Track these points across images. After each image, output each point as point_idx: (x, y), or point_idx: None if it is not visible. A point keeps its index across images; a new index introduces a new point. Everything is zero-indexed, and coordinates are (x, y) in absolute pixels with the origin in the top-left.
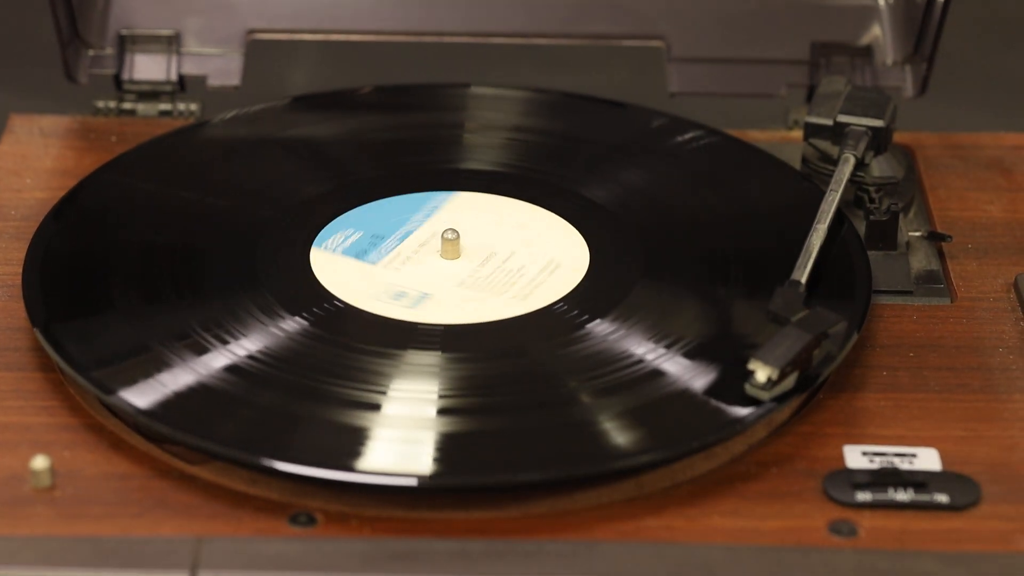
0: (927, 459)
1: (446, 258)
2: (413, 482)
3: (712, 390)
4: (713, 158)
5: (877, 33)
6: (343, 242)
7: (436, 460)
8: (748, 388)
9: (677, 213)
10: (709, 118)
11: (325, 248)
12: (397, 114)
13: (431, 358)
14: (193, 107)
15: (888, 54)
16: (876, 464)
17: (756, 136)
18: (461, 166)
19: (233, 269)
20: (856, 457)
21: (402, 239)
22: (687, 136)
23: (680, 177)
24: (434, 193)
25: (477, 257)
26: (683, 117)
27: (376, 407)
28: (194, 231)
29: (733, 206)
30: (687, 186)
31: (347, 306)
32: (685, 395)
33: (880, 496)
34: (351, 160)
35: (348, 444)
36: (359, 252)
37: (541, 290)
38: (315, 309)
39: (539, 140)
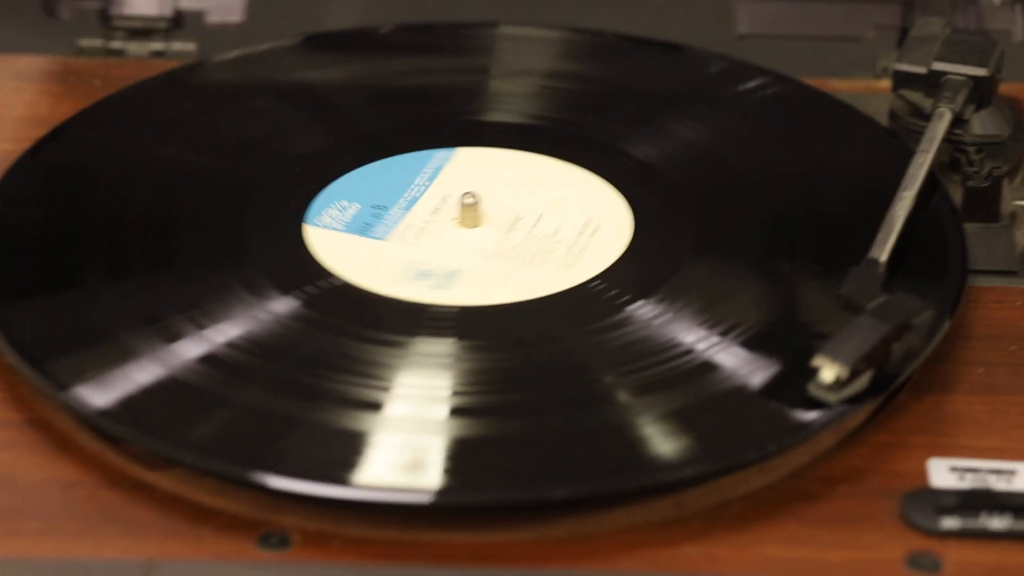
0: None
1: (465, 226)
2: (423, 499)
3: (771, 389)
4: (783, 110)
5: None
6: (341, 216)
7: (447, 472)
8: (813, 388)
9: (738, 175)
10: (781, 64)
11: (322, 225)
12: (416, 57)
13: (442, 346)
14: (190, 47)
15: None
16: (967, 483)
17: (837, 85)
18: (484, 117)
19: (213, 239)
20: (942, 474)
21: (408, 207)
22: (752, 83)
23: (743, 132)
24: (433, 151)
25: (501, 223)
26: (747, 61)
27: (375, 406)
28: (171, 194)
29: (805, 168)
30: (751, 143)
31: (346, 285)
32: (739, 395)
33: (971, 523)
34: (357, 111)
35: (339, 452)
36: (361, 227)
37: (587, 257)
38: (309, 288)
39: (577, 88)
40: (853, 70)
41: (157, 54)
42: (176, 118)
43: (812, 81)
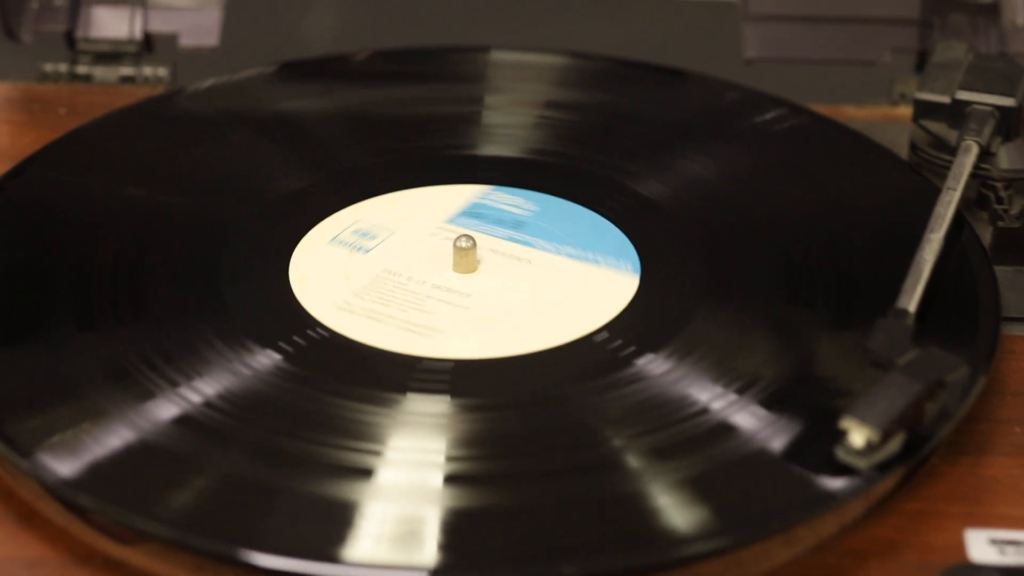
0: None
1: (460, 272)
2: None
3: (794, 453)
4: (799, 144)
5: None
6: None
7: (444, 549)
8: (841, 453)
9: (751, 215)
10: (791, 90)
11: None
12: (400, 86)
13: (436, 404)
14: (162, 72)
15: (1019, 13)
16: (1009, 557)
17: (851, 113)
18: (478, 152)
19: (188, 287)
20: (982, 546)
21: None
22: (765, 116)
23: (755, 168)
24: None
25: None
26: (760, 90)
27: (365, 473)
28: (142, 237)
29: (823, 207)
30: (764, 180)
31: (333, 335)
32: (759, 459)
33: None
34: (339, 145)
35: (328, 526)
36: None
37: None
38: (287, 342)
39: (575, 119)
40: (868, 96)
41: (126, 79)
42: (147, 153)
43: (824, 108)
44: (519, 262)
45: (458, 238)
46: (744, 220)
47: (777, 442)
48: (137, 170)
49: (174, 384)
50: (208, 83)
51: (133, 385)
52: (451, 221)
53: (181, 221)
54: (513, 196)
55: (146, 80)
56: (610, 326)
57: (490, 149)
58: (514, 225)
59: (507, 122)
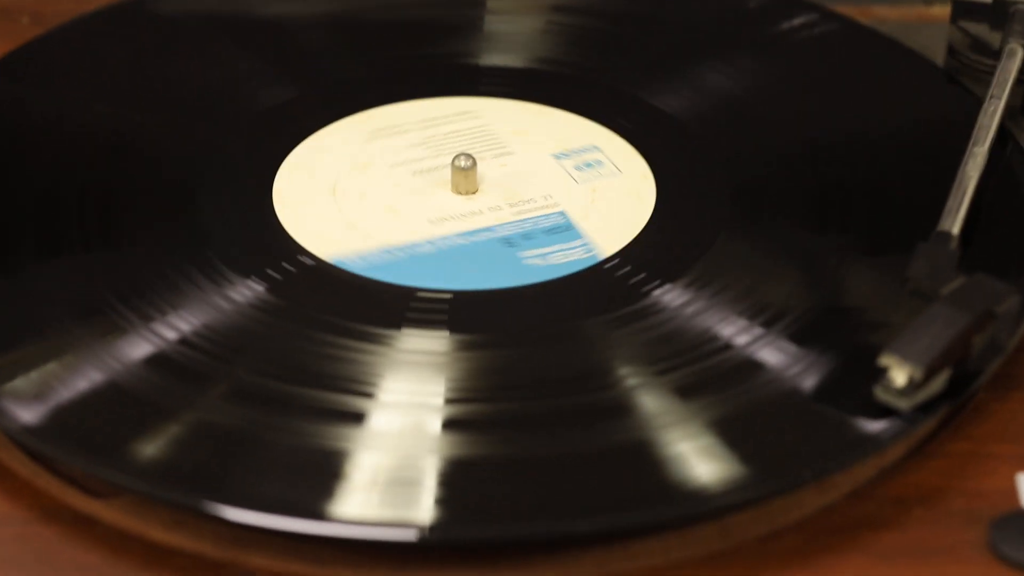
0: None
1: (459, 193)
2: (409, 535)
3: (828, 393)
4: (831, 53)
5: None
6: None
7: (441, 503)
8: (881, 393)
9: (776, 132)
10: None
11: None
12: None
13: (433, 341)
14: None
15: None
16: None
17: (883, 13)
18: (480, 61)
19: (163, 212)
20: None
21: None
22: (796, 21)
23: (784, 81)
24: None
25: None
26: None
27: (356, 418)
28: (113, 158)
29: (854, 122)
30: (794, 94)
31: (320, 263)
32: (790, 400)
33: None
34: (330, 55)
35: (313, 479)
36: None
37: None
38: (271, 270)
39: (588, 25)
40: None
41: None
42: (119, 66)
43: (853, 10)
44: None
45: (456, 157)
46: (769, 137)
47: (809, 381)
48: (107, 84)
49: (147, 319)
50: None
51: (103, 321)
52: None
53: (156, 141)
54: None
55: None
56: (624, 253)
57: (494, 59)
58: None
59: (508, 29)
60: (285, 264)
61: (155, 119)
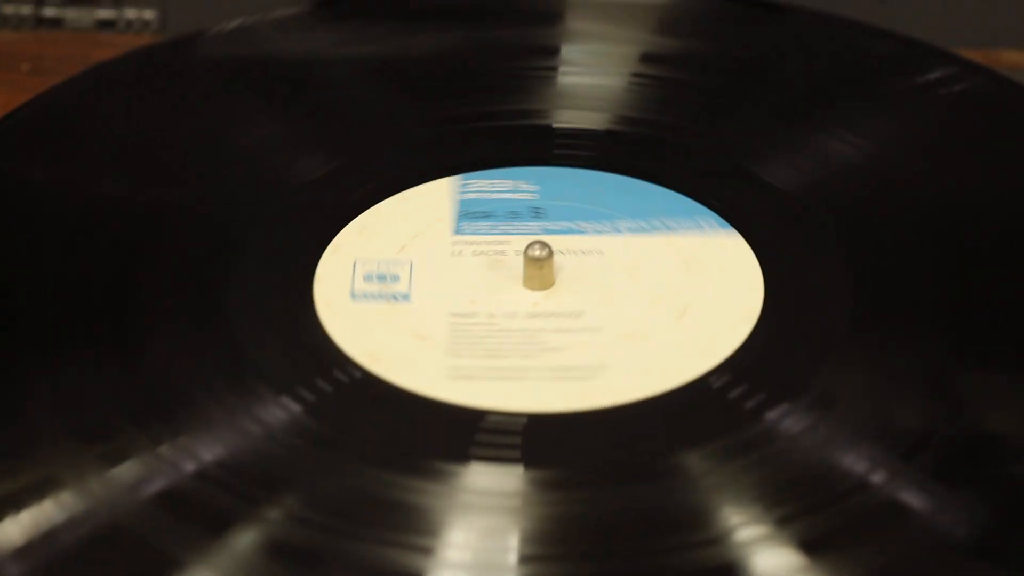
0: None
1: (531, 288)
2: None
3: (990, 543)
4: (974, 116)
5: None
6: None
7: None
8: None
9: (911, 210)
10: (930, 32)
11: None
12: (452, 33)
13: (506, 477)
14: (148, 15)
15: None
16: None
17: (1013, 61)
18: (552, 121)
19: (184, 312)
20: None
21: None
22: (932, 75)
23: (920, 150)
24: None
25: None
26: (923, 40)
27: None
28: (127, 245)
29: (1011, 206)
30: (926, 165)
31: (367, 376)
32: (944, 553)
33: None
34: (385, 115)
35: None
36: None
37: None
38: (306, 390)
39: (678, 78)
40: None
41: (105, 25)
42: (131, 127)
43: (976, 54)
44: (587, 257)
45: (529, 246)
46: (901, 218)
47: (961, 528)
48: (121, 152)
49: (156, 442)
50: (230, 25)
51: (107, 449)
52: (458, 232)
53: (177, 222)
54: (494, 181)
55: (129, 25)
56: (727, 366)
57: (561, 119)
58: (534, 214)
59: (583, 83)
60: (323, 381)
61: (178, 196)
